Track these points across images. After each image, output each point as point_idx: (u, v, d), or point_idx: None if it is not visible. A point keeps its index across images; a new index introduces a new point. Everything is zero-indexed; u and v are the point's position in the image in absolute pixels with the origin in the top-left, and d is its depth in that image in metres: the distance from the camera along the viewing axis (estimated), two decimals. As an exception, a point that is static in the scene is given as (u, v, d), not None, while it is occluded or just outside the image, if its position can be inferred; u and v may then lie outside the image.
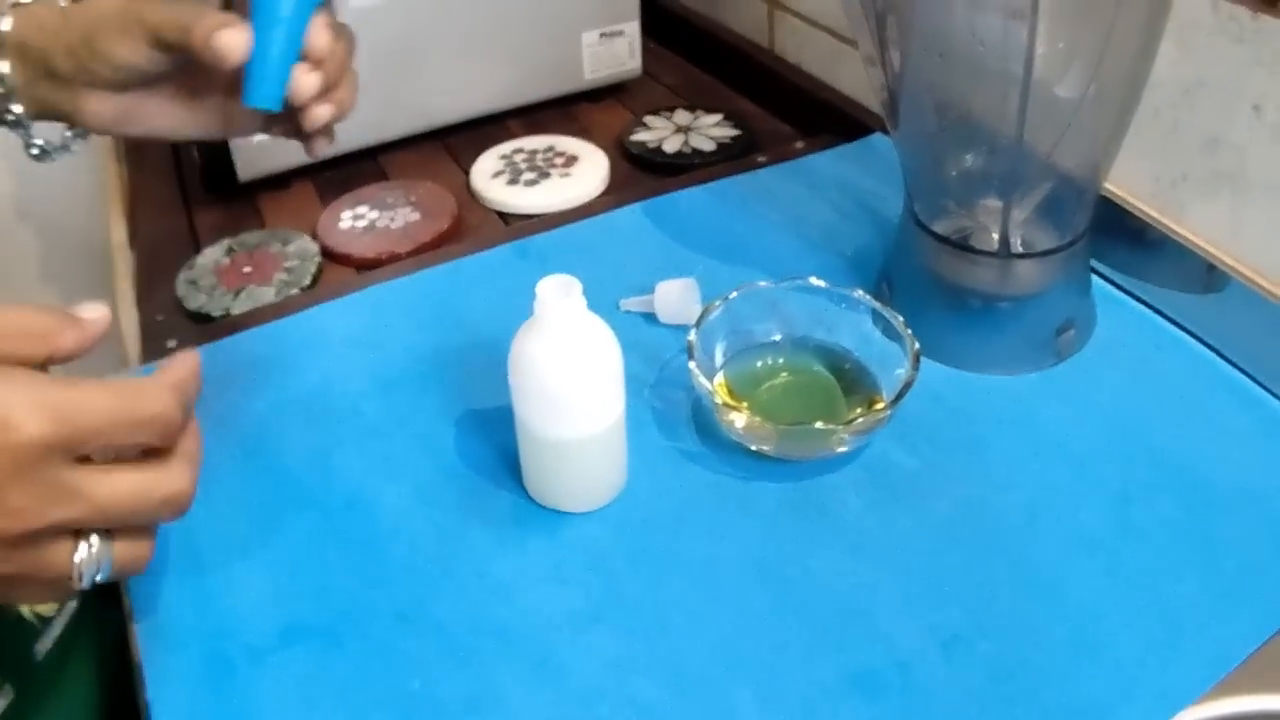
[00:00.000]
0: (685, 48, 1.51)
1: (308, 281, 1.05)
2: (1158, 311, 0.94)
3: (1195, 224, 0.90)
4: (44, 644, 0.86)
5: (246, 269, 1.07)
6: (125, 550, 0.60)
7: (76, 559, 0.57)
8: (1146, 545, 0.75)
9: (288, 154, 1.19)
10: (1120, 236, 0.94)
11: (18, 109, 0.76)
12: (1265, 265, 0.86)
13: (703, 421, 0.84)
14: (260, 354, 0.93)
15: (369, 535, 0.77)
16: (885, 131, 1.04)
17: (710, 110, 1.33)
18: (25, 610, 0.85)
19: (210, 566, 0.76)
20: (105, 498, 0.56)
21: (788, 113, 1.34)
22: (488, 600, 0.73)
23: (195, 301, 1.03)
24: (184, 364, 0.63)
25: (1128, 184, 0.93)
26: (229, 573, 0.76)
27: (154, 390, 0.58)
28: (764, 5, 1.39)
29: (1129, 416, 0.84)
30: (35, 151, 0.80)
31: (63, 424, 0.54)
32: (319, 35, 0.71)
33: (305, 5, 0.70)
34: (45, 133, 0.79)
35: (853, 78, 1.26)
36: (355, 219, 1.13)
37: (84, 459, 0.56)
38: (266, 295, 1.03)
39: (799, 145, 1.23)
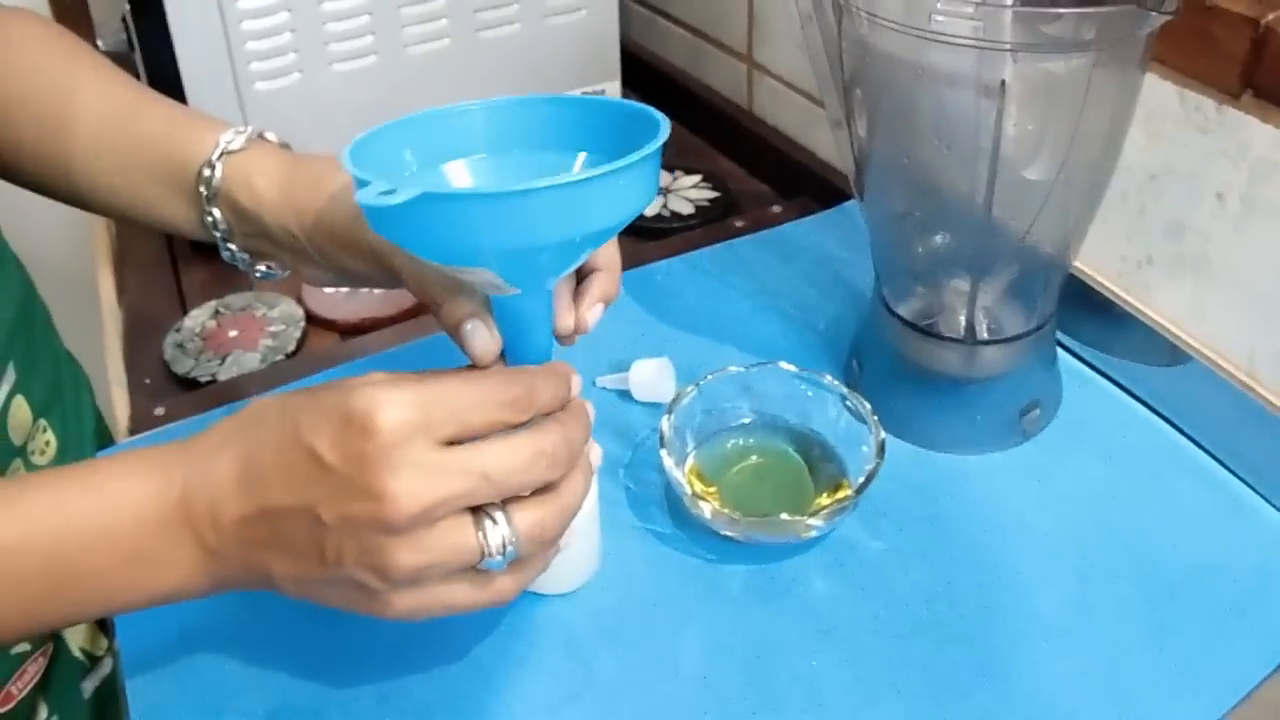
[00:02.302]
0: (666, 104, 1.51)
1: (292, 348, 1.07)
2: (1123, 388, 0.96)
3: (1160, 305, 0.92)
4: (91, 682, 0.89)
5: (233, 333, 1.08)
6: (524, 518, 0.61)
7: (482, 535, 0.60)
8: (1103, 626, 0.77)
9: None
10: (1087, 312, 0.96)
11: (234, 247, 0.79)
12: (1227, 348, 0.88)
13: (675, 503, 0.86)
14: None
15: (352, 615, 0.78)
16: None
17: (689, 171, 1.35)
18: (75, 649, 0.88)
19: (200, 644, 0.78)
20: (480, 464, 0.59)
21: (766, 173, 1.37)
22: (467, 682, 0.75)
23: (183, 366, 1.05)
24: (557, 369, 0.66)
25: (1095, 263, 0.96)
26: (218, 651, 0.77)
27: (505, 375, 0.62)
28: (743, 66, 1.41)
29: (1091, 496, 0.86)
30: (259, 275, 0.82)
31: (420, 410, 0.58)
32: (565, 319, 0.70)
33: (547, 298, 0.67)
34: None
35: (830, 141, 1.27)
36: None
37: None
38: (252, 361, 1.05)
39: (776, 210, 1.25)
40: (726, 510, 0.80)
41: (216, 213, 0.77)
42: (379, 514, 0.56)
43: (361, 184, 0.57)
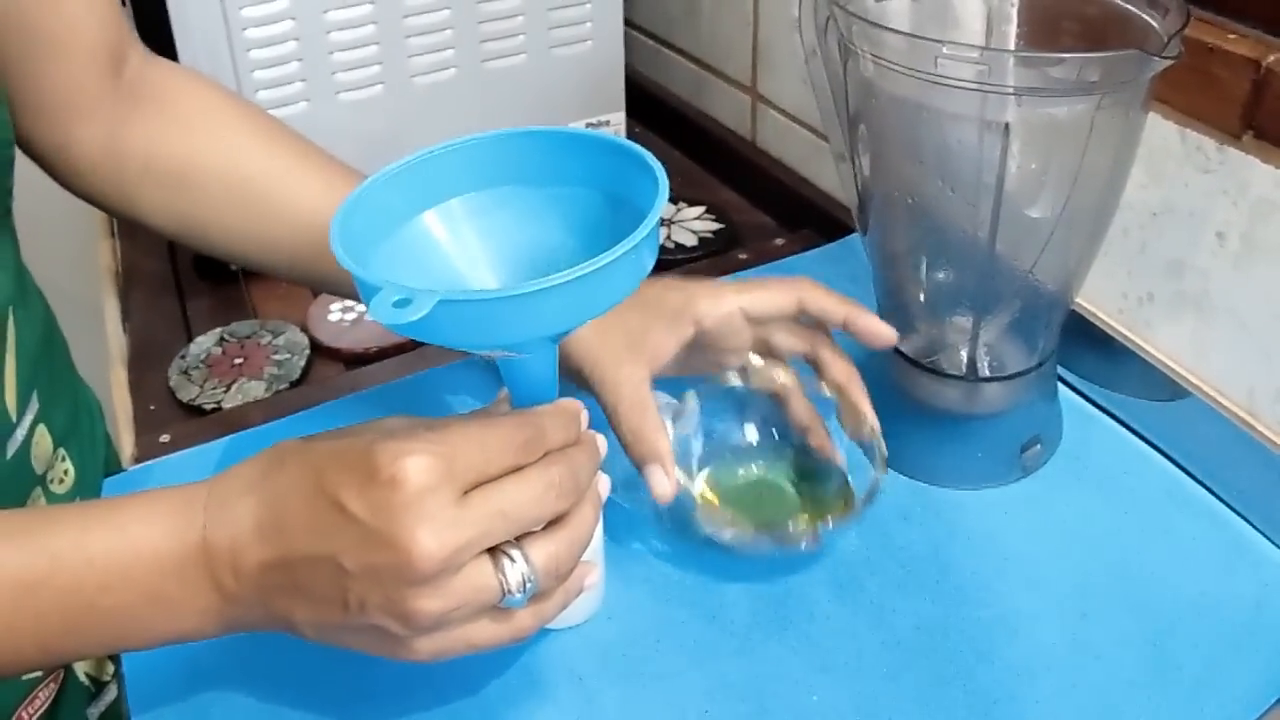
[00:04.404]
0: (670, 134, 1.54)
1: (297, 376, 1.07)
2: (1123, 424, 0.96)
3: (1161, 342, 0.93)
4: (96, 709, 0.89)
5: (238, 360, 1.09)
6: (539, 552, 0.62)
7: (501, 575, 0.61)
8: (1102, 662, 0.77)
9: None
10: (1088, 348, 0.97)
11: None
12: (1227, 385, 0.88)
13: (680, 526, 0.86)
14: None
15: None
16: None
17: (693, 202, 1.35)
18: (81, 674, 0.88)
19: (204, 674, 0.78)
20: (496, 504, 0.60)
21: (769, 206, 1.37)
22: (471, 714, 0.75)
23: (188, 393, 1.05)
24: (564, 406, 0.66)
25: (1096, 299, 0.96)
26: (221, 681, 0.78)
27: (518, 419, 0.63)
28: (746, 98, 1.42)
29: (1090, 532, 0.87)
30: None
31: (443, 461, 0.58)
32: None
33: (553, 352, 0.67)
34: None
35: (833, 175, 1.28)
36: (344, 311, 1.15)
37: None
38: (257, 390, 1.05)
39: (779, 242, 1.25)
40: (731, 514, 0.80)
41: None
42: (405, 564, 0.57)
43: (366, 288, 0.57)
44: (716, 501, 0.86)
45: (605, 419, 0.79)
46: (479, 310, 0.56)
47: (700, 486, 0.87)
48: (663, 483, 0.77)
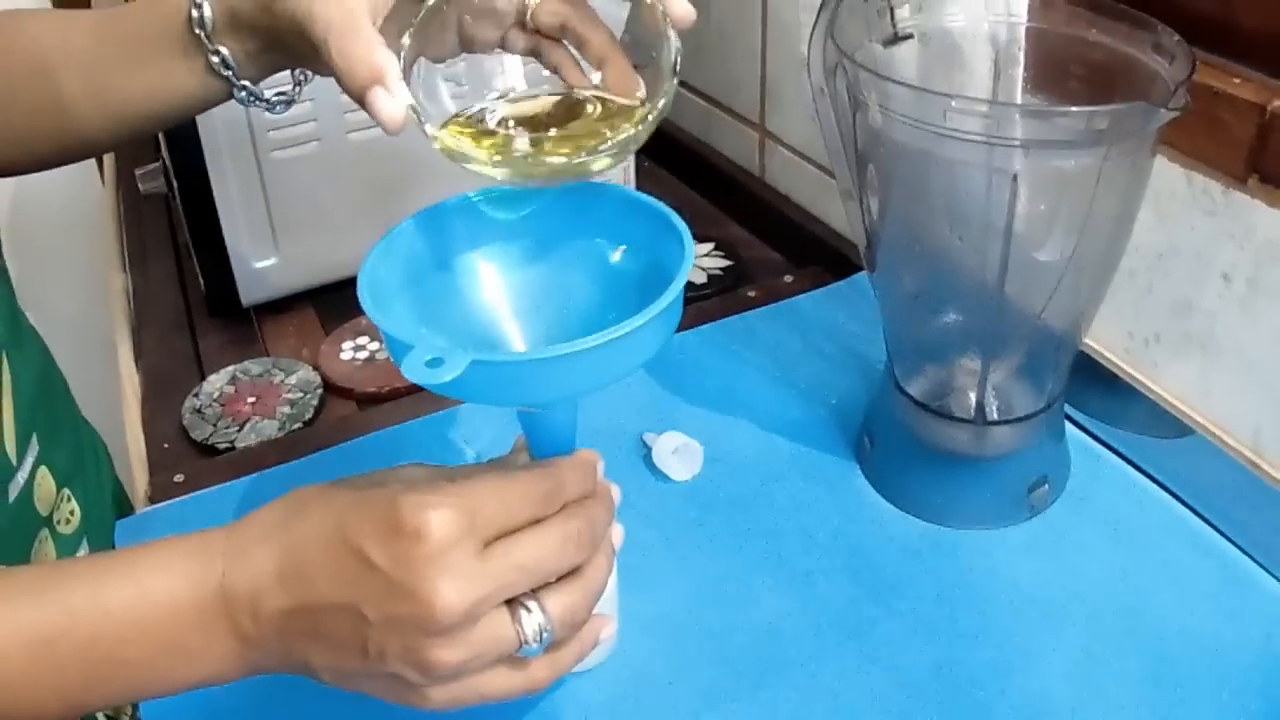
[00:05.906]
0: (678, 170, 1.54)
1: (310, 415, 1.08)
2: (1130, 463, 0.96)
3: (1167, 382, 0.93)
4: None
5: (250, 399, 1.10)
6: (556, 603, 0.63)
7: (518, 625, 0.61)
8: (1109, 702, 0.78)
9: (290, 280, 1.23)
10: (1095, 388, 0.97)
11: (246, 83, 0.78)
12: (1233, 425, 0.89)
13: (690, 571, 0.87)
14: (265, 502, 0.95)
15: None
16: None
17: (702, 238, 1.35)
18: (100, 716, 0.89)
19: (221, 717, 0.79)
20: (516, 559, 0.61)
21: (777, 242, 1.38)
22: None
23: (201, 433, 1.06)
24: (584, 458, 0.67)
25: (1103, 340, 0.97)
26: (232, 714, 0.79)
27: (538, 472, 0.64)
28: (755, 134, 1.43)
29: (1098, 571, 0.87)
30: (280, 108, 0.82)
31: (466, 514, 0.59)
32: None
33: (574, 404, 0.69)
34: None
35: (842, 212, 1.28)
36: (356, 350, 1.16)
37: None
38: (270, 429, 1.06)
39: (788, 279, 1.26)
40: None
41: (223, 49, 0.76)
42: (426, 617, 0.58)
43: (398, 345, 0.59)
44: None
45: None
46: (510, 371, 0.58)
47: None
48: (388, 105, 0.64)
